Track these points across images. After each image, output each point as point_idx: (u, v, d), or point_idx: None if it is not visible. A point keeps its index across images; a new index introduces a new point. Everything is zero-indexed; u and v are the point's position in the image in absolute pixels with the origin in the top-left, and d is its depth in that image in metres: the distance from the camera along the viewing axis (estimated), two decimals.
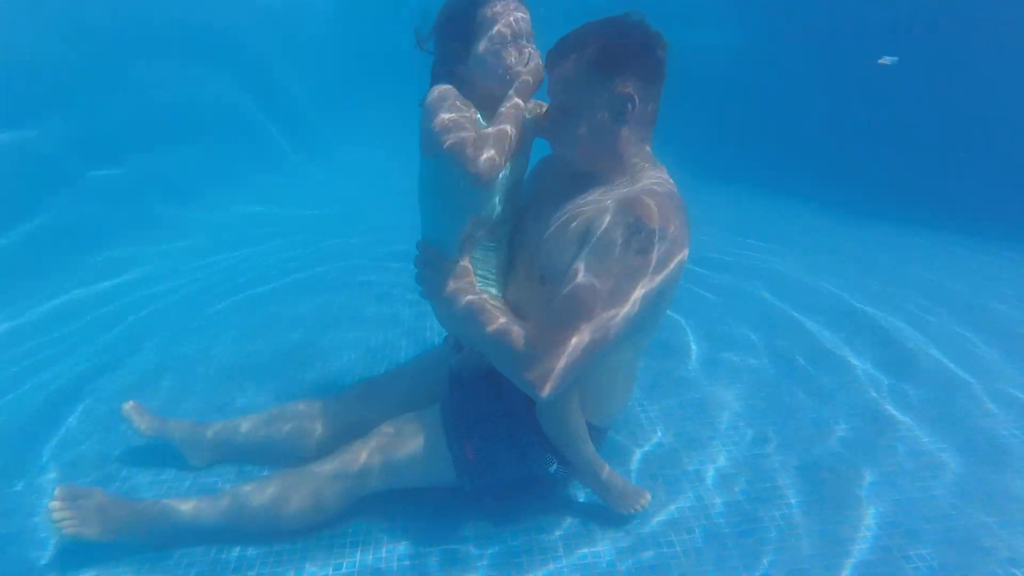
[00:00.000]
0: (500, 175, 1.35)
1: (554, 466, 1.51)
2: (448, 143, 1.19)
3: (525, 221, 1.46)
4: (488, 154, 1.18)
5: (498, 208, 1.40)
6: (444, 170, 1.26)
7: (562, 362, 1.18)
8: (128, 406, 1.76)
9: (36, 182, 3.66)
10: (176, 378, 2.38)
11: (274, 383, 2.32)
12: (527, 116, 1.39)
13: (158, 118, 4.62)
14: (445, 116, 1.23)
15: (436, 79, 1.34)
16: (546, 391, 1.20)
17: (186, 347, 2.65)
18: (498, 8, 1.27)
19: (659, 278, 1.22)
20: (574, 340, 1.18)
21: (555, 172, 1.47)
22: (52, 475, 1.81)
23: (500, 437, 1.49)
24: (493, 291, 1.45)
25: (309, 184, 5.98)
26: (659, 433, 1.99)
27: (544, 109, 1.40)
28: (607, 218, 1.22)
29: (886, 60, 4.87)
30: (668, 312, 2.65)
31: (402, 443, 1.52)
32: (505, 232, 1.46)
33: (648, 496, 1.54)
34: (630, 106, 1.25)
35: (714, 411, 2.12)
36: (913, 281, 3.38)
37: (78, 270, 3.50)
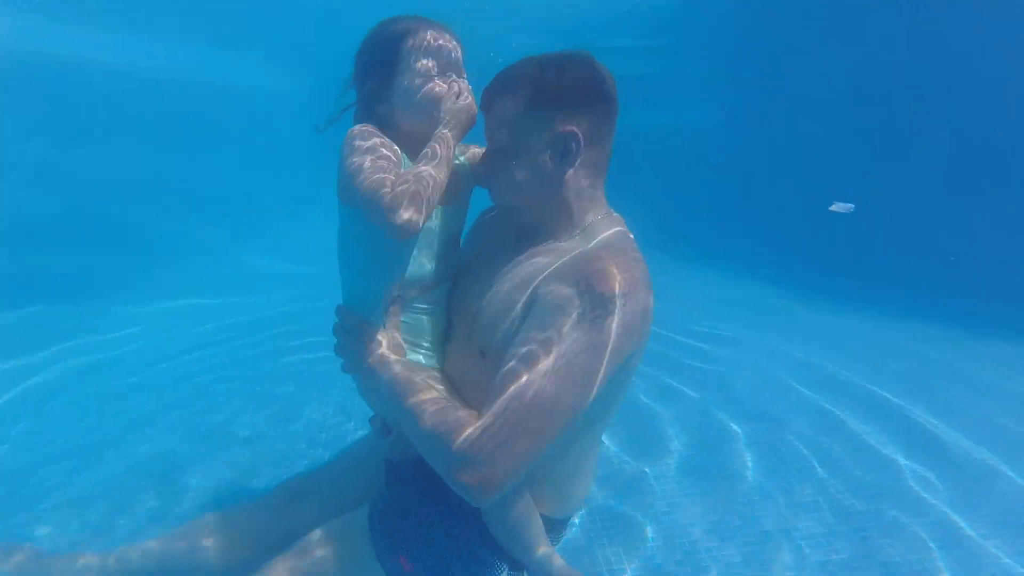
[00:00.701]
0: (433, 226, 1.17)
1: (504, 573, 1.23)
2: (365, 187, 1.01)
3: (463, 283, 1.27)
4: (411, 199, 1.00)
5: (430, 265, 1.20)
6: (363, 219, 1.07)
7: (504, 464, 0.95)
8: None
9: None
10: (75, 480, 2.04)
11: (191, 483, 2.01)
12: (463, 161, 1.23)
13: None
14: (361, 156, 1.06)
15: (357, 121, 1.19)
16: (483, 497, 0.96)
17: (86, 439, 2.29)
18: (426, 38, 1.14)
19: (621, 353, 1.01)
20: (518, 435, 0.95)
21: (496, 227, 1.29)
22: None
23: (439, 542, 1.22)
24: (424, 361, 1.24)
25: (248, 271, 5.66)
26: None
27: (480, 153, 1.25)
28: (555, 283, 1.02)
29: (839, 207, 4.39)
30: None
31: (326, 558, 1.24)
32: (441, 294, 1.26)
33: None
34: (574, 146, 1.08)
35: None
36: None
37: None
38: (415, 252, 1.17)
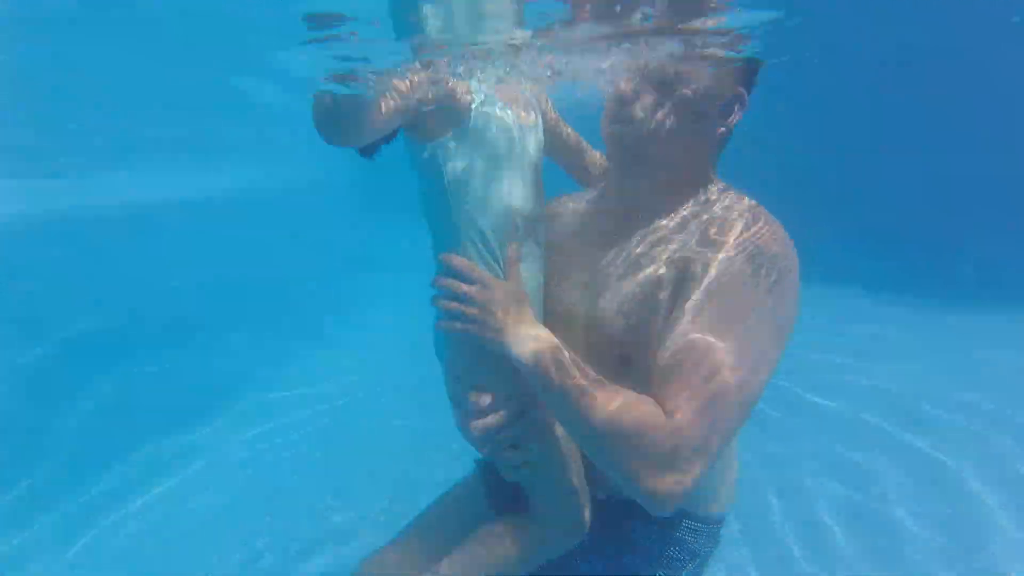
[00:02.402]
0: (525, 143, 1.03)
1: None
2: None
3: (558, 278, 1.10)
4: None
5: (528, 194, 1.04)
6: (443, 146, 0.96)
7: (702, 464, 0.82)
8: None
9: None
10: None
11: None
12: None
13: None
14: None
15: None
16: (671, 505, 0.82)
17: None
18: None
19: (795, 316, 0.91)
20: (717, 431, 0.82)
21: (588, 212, 1.16)
22: None
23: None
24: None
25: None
26: None
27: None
28: (717, 251, 0.90)
29: None
30: None
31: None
32: (542, 232, 1.08)
33: None
34: (737, 107, 0.98)
35: None
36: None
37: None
38: (508, 179, 1.00)
